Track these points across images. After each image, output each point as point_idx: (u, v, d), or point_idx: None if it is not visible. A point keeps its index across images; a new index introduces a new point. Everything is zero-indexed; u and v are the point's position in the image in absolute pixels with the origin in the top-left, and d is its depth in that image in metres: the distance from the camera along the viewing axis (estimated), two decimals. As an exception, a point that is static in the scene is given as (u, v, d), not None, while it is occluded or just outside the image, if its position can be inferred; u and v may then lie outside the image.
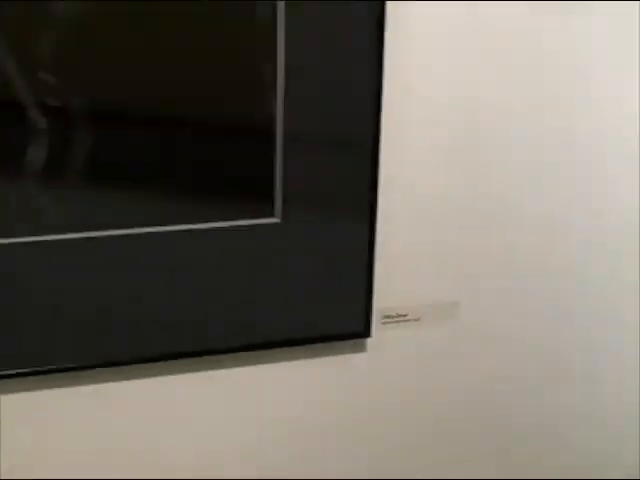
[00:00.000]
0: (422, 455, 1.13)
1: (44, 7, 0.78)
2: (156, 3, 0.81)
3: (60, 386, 0.92)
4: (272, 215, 0.92)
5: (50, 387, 0.92)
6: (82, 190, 0.85)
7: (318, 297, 0.98)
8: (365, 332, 1.02)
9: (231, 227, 0.91)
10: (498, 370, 1.14)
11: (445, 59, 0.97)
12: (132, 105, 0.85)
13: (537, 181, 1.06)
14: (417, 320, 1.05)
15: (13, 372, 0.88)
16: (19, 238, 0.83)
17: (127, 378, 0.95)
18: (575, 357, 1.18)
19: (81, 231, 0.85)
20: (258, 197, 0.91)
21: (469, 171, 1.02)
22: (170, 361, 0.94)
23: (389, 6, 0.89)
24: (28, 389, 0.91)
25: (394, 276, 1.02)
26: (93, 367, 0.91)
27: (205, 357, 0.96)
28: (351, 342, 1.02)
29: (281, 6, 0.84)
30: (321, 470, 1.08)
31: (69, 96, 0.82)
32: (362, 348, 1.04)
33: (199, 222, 0.89)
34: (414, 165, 0.99)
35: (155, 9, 0.81)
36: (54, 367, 0.89)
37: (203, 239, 0.90)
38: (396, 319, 1.04)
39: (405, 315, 1.05)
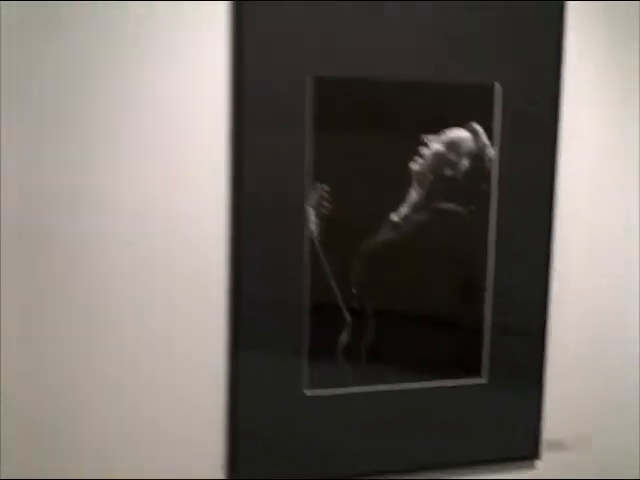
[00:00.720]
0: None
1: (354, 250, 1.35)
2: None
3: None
4: (480, 377, 1.44)
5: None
6: (367, 359, 1.39)
7: (506, 429, 1.48)
8: (535, 455, 1.50)
9: (453, 384, 1.44)
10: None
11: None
12: (397, 307, 1.40)
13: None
14: (573, 448, 1.53)
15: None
16: (330, 390, 1.37)
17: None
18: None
19: (363, 385, 1.39)
20: (470, 366, 1.45)
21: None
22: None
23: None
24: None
25: (555, 415, 1.51)
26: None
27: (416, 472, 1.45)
28: (526, 462, 1.51)
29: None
30: None
31: (363, 302, 1.38)
32: (532, 467, 1.52)
33: (435, 381, 1.42)
34: (571, 347, 1.52)
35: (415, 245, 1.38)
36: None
37: (435, 392, 1.43)
38: (556, 446, 1.52)
39: (563, 443, 1.53)
